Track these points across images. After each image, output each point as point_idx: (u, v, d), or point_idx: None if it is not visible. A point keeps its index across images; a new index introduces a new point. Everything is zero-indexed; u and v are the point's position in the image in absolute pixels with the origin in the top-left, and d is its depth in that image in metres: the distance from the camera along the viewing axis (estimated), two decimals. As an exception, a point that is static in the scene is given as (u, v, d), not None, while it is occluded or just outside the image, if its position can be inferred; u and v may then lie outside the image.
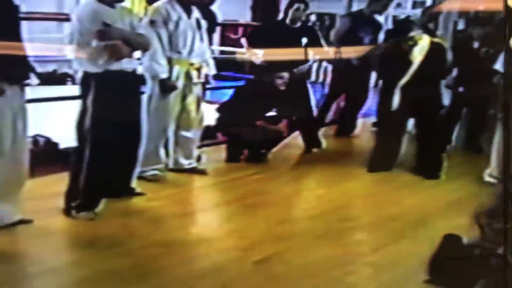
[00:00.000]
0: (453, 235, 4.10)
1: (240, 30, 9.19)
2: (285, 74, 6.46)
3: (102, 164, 4.65)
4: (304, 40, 6.73)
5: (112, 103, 4.53)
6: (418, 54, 6.21)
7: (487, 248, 3.91)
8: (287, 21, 6.74)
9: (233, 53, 7.33)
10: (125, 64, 4.65)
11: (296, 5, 6.69)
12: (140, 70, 5.44)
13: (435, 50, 6.25)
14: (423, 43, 6.23)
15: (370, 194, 5.90)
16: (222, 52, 6.39)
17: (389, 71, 6.39)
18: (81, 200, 4.65)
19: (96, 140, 4.58)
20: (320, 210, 5.31)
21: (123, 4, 4.78)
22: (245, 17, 7.76)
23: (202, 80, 5.73)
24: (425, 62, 6.18)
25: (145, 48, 4.96)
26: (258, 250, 4.32)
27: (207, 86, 5.95)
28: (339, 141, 7.97)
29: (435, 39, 6.40)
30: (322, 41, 7.08)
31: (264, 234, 4.65)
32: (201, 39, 5.67)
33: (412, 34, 6.26)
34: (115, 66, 4.58)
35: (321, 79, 8.47)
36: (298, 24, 6.82)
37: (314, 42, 6.89)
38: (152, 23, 5.35)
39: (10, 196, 4.27)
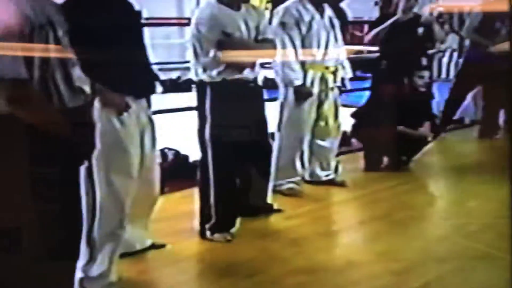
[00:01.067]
0: None
1: (366, 27, 8.52)
2: (426, 73, 5.81)
3: (230, 178, 4.29)
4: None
5: (232, 112, 4.12)
6: None
7: None
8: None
9: (362, 52, 6.63)
10: (246, 74, 4.20)
11: None
12: (272, 75, 4.99)
13: None
14: None
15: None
16: (357, 51, 5.76)
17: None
18: (215, 219, 4.22)
19: (218, 153, 4.19)
20: (476, 226, 4.65)
21: (248, 4, 4.29)
22: (370, 13, 7.08)
23: (339, 84, 5.19)
24: None
25: (271, 56, 4.51)
26: (415, 275, 3.80)
27: (344, 90, 5.39)
28: (483, 144, 7.25)
29: None
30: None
31: (419, 255, 4.10)
32: (336, 39, 5.16)
33: None
34: (234, 75, 4.14)
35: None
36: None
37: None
38: (283, 25, 4.85)
39: (141, 219, 3.88)
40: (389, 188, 5.45)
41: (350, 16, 6.82)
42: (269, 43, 4.27)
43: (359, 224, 4.75)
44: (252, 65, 4.19)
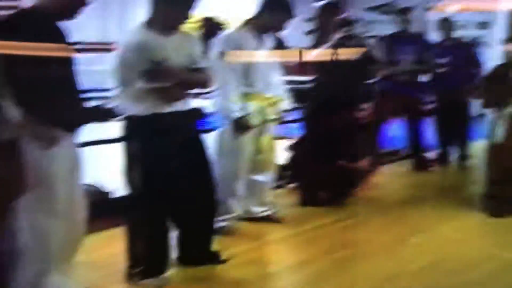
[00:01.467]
0: None
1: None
2: (367, 106, 5.69)
3: (161, 219, 3.95)
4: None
5: (164, 149, 3.80)
6: None
7: None
8: None
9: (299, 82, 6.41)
10: (179, 106, 3.88)
11: None
12: (208, 107, 4.73)
13: None
14: None
15: (476, 238, 5.15)
16: (294, 82, 5.56)
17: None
18: (144, 263, 3.88)
19: (147, 193, 3.84)
20: (422, 262, 4.51)
21: (181, 30, 3.97)
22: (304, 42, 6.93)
23: (279, 116, 4.98)
24: None
25: (205, 86, 4.18)
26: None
27: (283, 121, 5.19)
28: (420, 176, 7.26)
29: None
30: None
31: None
32: (276, 70, 4.94)
33: None
34: (166, 109, 3.82)
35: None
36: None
37: None
38: (222, 54, 4.58)
39: (65, 264, 3.49)
40: (328, 224, 5.25)
41: (288, 45, 6.68)
42: (203, 73, 4.01)
43: (300, 264, 4.47)
44: (185, 97, 3.92)
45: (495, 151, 5.65)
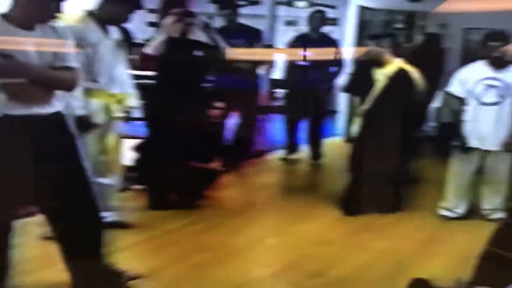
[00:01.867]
0: (421, 280, 3.81)
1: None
2: (221, 104, 5.54)
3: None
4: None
5: (18, 157, 3.28)
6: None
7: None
8: None
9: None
10: (37, 109, 3.39)
11: None
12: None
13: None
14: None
15: (332, 238, 5.14)
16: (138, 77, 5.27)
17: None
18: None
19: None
20: (280, 265, 4.46)
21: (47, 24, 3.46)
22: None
23: (125, 113, 4.70)
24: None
25: (70, 86, 3.62)
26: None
27: (129, 119, 4.91)
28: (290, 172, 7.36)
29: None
30: None
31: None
32: (122, 64, 4.66)
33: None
34: (21, 111, 3.33)
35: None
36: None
37: None
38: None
39: None
40: (180, 228, 5.05)
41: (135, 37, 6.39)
42: (70, 71, 3.50)
43: (151, 271, 4.18)
44: (45, 98, 3.47)
45: (352, 149, 5.80)
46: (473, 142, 5.55)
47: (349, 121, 5.95)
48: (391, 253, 4.79)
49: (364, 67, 5.87)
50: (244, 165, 7.18)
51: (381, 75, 5.69)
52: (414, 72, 5.81)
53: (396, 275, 4.33)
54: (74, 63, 3.54)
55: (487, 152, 5.56)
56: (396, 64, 5.77)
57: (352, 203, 5.69)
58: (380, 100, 5.66)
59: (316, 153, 7.66)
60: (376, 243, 4.98)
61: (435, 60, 8.61)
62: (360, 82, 5.88)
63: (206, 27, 5.77)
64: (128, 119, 4.92)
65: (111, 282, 3.79)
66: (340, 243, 4.99)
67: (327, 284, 4.17)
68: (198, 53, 5.53)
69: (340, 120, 9.29)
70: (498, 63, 5.45)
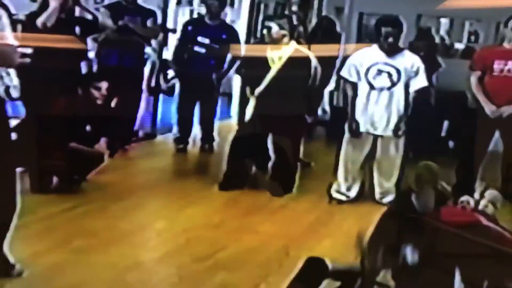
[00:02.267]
0: (316, 259, 3.76)
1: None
2: (104, 84, 5.40)
3: None
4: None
5: None
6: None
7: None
8: None
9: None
10: None
11: None
12: None
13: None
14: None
15: (221, 221, 5.15)
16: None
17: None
18: None
19: None
20: (167, 248, 4.45)
21: None
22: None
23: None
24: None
25: None
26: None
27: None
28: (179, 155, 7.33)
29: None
30: None
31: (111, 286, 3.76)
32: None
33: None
34: None
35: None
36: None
37: None
38: None
39: None
40: (63, 211, 4.91)
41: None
42: None
43: (34, 256, 4.07)
44: None
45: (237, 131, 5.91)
46: (364, 126, 5.67)
47: (242, 104, 5.96)
48: (279, 235, 4.86)
49: (259, 50, 5.88)
50: (130, 148, 7.10)
51: (276, 58, 5.72)
52: (309, 55, 5.88)
53: (284, 257, 4.42)
54: None
55: (378, 136, 5.70)
56: (291, 46, 5.81)
57: (228, 180, 5.82)
58: (274, 83, 5.70)
59: (207, 136, 7.63)
60: (264, 226, 5.05)
61: (330, 44, 8.75)
62: (253, 65, 5.89)
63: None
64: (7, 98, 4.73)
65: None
66: (228, 226, 5.02)
67: (214, 267, 4.17)
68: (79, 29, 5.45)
69: (234, 103, 9.30)
70: (391, 49, 5.58)
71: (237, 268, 4.20)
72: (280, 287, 3.90)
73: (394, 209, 4.33)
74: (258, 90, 5.75)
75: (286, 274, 4.03)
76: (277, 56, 5.73)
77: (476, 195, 4.24)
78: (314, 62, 5.84)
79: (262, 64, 5.75)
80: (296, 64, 5.76)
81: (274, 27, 5.78)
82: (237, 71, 6.60)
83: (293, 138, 5.91)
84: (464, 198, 4.21)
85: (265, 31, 5.89)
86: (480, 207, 4.12)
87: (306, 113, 6.20)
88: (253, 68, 5.91)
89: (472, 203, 4.20)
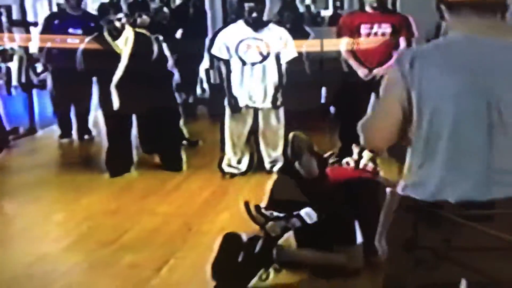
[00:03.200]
0: (231, 234, 4.11)
1: None
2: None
3: None
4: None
5: None
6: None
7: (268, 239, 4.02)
8: None
9: None
10: None
11: None
12: None
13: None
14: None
15: (119, 207, 5.40)
16: None
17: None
18: None
19: None
20: (71, 238, 4.68)
21: None
22: None
23: None
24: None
25: None
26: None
27: None
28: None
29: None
30: None
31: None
32: None
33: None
34: None
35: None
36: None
37: None
38: None
39: None
40: None
41: None
42: None
43: None
44: None
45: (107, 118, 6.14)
46: (243, 101, 5.95)
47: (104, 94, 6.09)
48: (178, 214, 5.18)
49: (101, 41, 6.02)
50: (12, 145, 7.19)
51: (122, 45, 5.94)
52: (148, 34, 6.14)
53: (186, 234, 4.75)
54: None
55: (258, 109, 6.02)
56: (133, 32, 6.04)
57: (114, 165, 6.09)
58: (127, 69, 5.90)
59: (84, 127, 7.73)
60: (162, 207, 5.35)
61: (197, 23, 8.94)
62: (100, 56, 5.98)
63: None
64: None
65: None
66: (127, 211, 5.27)
67: (121, 250, 4.43)
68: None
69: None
70: (256, 23, 5.86)
71: (143, 249, 4.48)
72: (189, 260, 4.26)
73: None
74: (115, 79, 5.92)
75: (193, 248, 4.46)
76: (122, 43, 5.94)
77: (355, 156, 4.72)
78: (158, 43, 6.12)
79: (109, 54, 5.93)
80: (141, 48, 5.97)
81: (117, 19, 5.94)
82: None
83: (166, 117, 6.22)
84: (345, 160, 4.70)
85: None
86: (361, 165, 4.60)
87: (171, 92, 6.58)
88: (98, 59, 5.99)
89: (352, 163, 4.67)
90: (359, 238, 3.98)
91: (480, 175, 2.15)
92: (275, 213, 4.06)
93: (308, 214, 4.06)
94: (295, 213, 4.05)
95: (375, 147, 2.57)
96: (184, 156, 6.42)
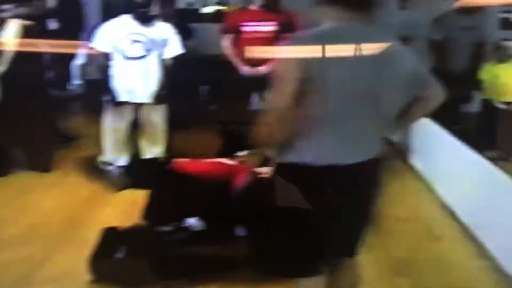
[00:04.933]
0: (110, 228, 4.54)
1: None
2: None
3: None
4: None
5: None
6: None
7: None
8: None
9: None
10: None
11: None
12: None
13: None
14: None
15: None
16: None
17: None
18: None
19: None
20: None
21: None
22: None
23: None
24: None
25: None
26: None
27: None
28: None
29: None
30: None
31: None
32: None
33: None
34: None
35: None
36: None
37: None
38: None
39: None
40: None
41: None
42: None
43: None
44: None
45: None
46: (123, 96, 6.13)
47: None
48: (61, 209, 5.44)
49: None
50: None
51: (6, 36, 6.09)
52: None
53: (69, 228, 5.04)
54: None
55: (139, 105, 6.22)
56: (16, 23, 6.18)
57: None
58: (14, 62, 6.04)
59: None
60: (44, 202, 5.59)
61: (72, 16, 8.96)
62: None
63: None
64: None
65: None
66: (7, 206, 5.48)
67: (1, 246, 4.68)
68: None
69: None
70: (143, 18, 6.07)
71: (25, 244, 4.73)
72: (70, 255, 4.54)
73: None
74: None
75: (74, 243, 4.74)
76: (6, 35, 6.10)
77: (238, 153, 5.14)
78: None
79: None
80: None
81: None
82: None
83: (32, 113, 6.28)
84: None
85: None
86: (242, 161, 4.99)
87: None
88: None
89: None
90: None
91: (348, 141, 2.93)
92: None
93: (194, 223, 4.44)
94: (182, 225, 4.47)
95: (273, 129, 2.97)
96: (62, 152, 6.65)
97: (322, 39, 2.85)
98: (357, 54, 2.80)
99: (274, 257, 3.33)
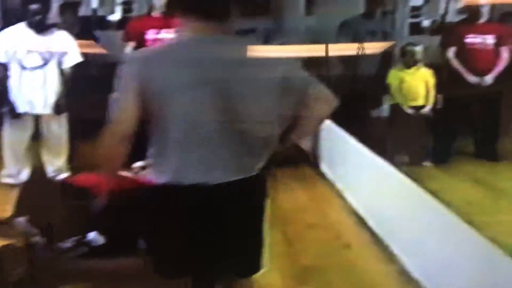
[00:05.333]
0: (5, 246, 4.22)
1: None
2: None
3: None
4: None
5: None
6: None
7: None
8: None
9: None
10: None
11: None
12: None
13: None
14: None
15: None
16: None
17: None
18: None
19: None
20: None
21: None
22: None
23: None
24: None
25: None
26: None
27: None
28: None
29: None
30: None
31: None
32: None
33: None
34: None
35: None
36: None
37: None
38: None
39: None
40: None
41: None
42: None
43: None
44: None
45: None
46: (22, 107, 6.00)
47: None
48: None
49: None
50: None
51: None
52: None
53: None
54: None
55: (39, 116, 6.09)
56: None
57: None
58: None
59: None
60: None
61: None
62: None
63: None
64: None
65: None
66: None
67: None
68: None
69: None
70: (40, 27, 5.96)
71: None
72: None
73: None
74: None
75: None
76: None
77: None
78: None
79: None
80: None
81: None
82: None
83: None
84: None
85: None
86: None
87: None
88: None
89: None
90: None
91: (211, 160, 2.70)
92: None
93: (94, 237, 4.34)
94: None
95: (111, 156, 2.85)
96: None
97: (162, 58, 2.69)
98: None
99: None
